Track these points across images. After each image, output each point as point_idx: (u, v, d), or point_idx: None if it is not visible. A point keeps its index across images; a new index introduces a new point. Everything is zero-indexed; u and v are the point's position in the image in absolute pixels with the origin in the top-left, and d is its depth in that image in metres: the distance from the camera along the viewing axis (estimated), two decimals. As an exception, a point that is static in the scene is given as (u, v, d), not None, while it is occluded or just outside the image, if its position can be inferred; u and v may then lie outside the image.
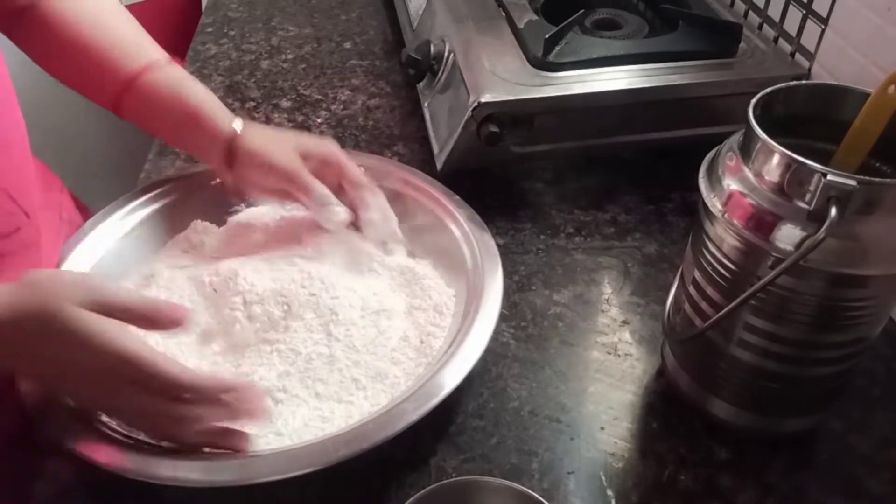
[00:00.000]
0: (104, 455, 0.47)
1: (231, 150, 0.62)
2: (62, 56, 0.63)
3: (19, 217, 0.55)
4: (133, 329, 0.46)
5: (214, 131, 0.62)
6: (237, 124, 0.63)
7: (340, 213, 0.62)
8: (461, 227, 0.63)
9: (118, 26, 0.64)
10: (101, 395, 0.46)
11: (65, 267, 0.59)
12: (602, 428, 0.56)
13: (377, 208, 0.64)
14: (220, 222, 0.68)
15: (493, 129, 0.69)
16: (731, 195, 0.46)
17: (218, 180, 0.67)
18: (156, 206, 0.66)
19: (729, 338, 0.50)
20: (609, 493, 0.52)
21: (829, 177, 0.41)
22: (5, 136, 0.55)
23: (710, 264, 0.49)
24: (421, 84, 0.83)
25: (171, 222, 0.67)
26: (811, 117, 0.49)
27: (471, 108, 0.69)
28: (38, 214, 0.58)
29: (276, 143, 0.63)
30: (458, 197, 0.66)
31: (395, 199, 0.67)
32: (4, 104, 0.55)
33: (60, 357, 0.44)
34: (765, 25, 0.81)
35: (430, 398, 0.49)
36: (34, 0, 0.62)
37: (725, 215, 0.46)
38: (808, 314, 0.46)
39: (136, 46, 0.64)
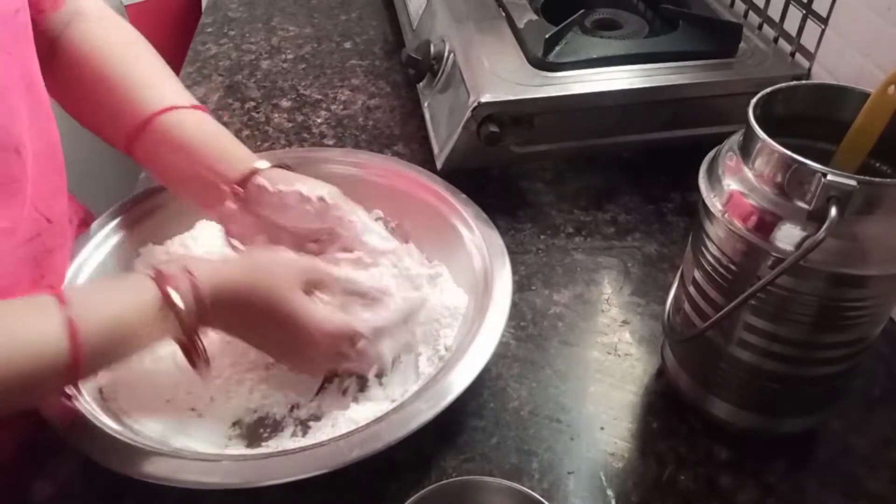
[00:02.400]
0: (112, 458, 0.46)
1: (247, 186, 0.58)
2: (83, 88, 0.60)
3: (40, 223, 0.54)
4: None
5: (230, 163, 0.58)
6: (260, 163, 0.59)
7: (385, 239, 0.59)
8: (468, 224, 0.63)
9: (146, 66, 0.62)
10: (303, 358, 0.55)
11: (71, 269, 0.59)
12: (602, 428, 0.56)
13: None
14: None
15: (493, 129, 0.69)
16: (731, 195, 0.46)
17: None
18: (159, 207, 0.66)
19: (729, 338, 0.50)
20: (609, 493, 0.52)
21: (829, 177, 0.41)
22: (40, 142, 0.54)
23: (710, 264, 0.49)
24: (421, 84, 0.83)
25: (175, 225, 0.66)
26: (811, 117, 0.49)
27: (471, 108, 0.69)
28: (61, 221, 0.57)
29: (302, 179, 0.59)
30: (463, 195, 0.65)
31: (400, 197, 0.67)
32: (41, 112, 0.55)
33: (281, 332, 0.52)
34: (765, 25, 0.81)
35: (441, 399, 0.49)
36: (62, 29, 0.61)
37: (725, 215, 0.46)
38: (808, 314, 0.46)
39: (160, 88, 0.61)
